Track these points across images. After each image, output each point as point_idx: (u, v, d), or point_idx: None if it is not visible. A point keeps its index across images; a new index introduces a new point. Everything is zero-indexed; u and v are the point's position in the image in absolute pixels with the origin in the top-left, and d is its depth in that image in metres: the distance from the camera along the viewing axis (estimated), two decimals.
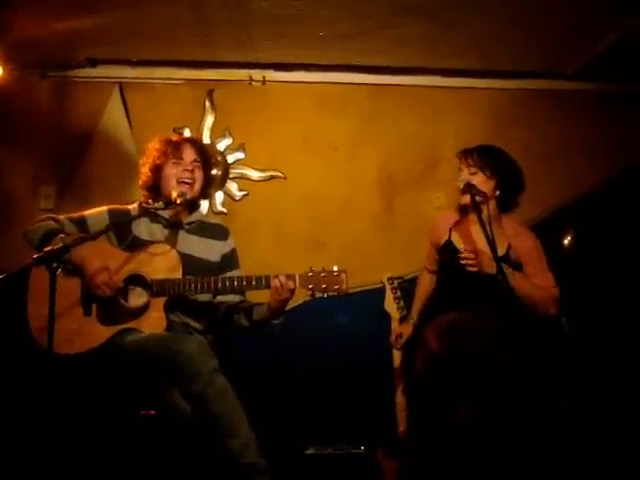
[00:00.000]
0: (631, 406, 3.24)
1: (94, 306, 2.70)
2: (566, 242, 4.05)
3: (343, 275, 2.69)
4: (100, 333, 2.66)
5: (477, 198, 2.86)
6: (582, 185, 4.07)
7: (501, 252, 2.93)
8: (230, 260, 3.00)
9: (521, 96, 4.18)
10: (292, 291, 2.70)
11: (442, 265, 3.12)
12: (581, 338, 3.60)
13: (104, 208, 2.94)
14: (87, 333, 2.65)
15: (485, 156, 2.98)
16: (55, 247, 2.33)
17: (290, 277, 2.69)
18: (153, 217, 2.91)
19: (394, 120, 4.15)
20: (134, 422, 2.63)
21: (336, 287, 2.68)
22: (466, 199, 2.96)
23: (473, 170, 2.97)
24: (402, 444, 2.97)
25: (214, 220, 3.13)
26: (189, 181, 2.86)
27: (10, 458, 2.79)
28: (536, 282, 2.86)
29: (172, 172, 2.87)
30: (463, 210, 3.09)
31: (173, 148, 2.88)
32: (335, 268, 2.70)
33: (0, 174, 3.98)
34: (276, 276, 2.69)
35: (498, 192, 2.96)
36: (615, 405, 3.29)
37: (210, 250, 2.95)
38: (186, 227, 2.95)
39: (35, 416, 2.30)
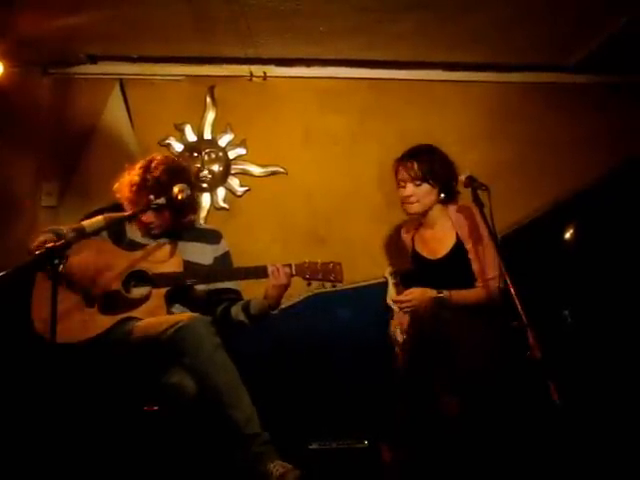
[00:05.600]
0: (633, 398, 3.24)
1: (97, 298, 2.76)
2: (568, 235, 4.04)
3: (338, 267, 2.82)
4: (102, 322, 2.72)
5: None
6: (585, 177, 4.06)
7: (447, 250, 3.03)
8: (223, 262, 3.06)
9: (523, 89, 4.17)
10: (289, 276, 2.80)
11: (414, 273, 3.20)
12: (584, 331, 3.60)
13: (101, 217, 2.99)
14: (89, 322, 2.72)
15: (426, 163, 3.04)
16: (56, 244, 2.34)
17: (286, 265, 2.81)
18: (146, 230, 2.98)
19: (395, 114, 4.14)
20: (137, 418, 2.66)
21: (332, 276, 2.80)
22: (416, 208, 3.08)
23: (418, 182, 3.04)
24: (401, 438, 2.99)
25: (207, 226, 3.20)
26: (154, 230, 2.94)
27: (14, 453, 2.80)
28: (478, 270, 2.92)
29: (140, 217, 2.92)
30: (414, 218, 3.21)
31: (136, 204, 2.88)
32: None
33: (2, 171, 3.98)
34: (273, 264, 2.80)
35: (442, 195, 3.06)
36: (617, 397, 3.28)
37: (203, 254, 3.01)
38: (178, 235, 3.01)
39: (40, 409, 2.31)
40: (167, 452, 2.58)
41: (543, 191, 4.03)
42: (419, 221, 3.22)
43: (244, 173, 4.10)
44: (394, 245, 3.87)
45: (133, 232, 2.98)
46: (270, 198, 4.06)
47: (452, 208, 3.07)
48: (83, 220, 3.02)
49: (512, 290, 2.45)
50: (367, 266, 3.87)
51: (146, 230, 2.95)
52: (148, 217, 2.89)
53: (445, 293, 2.89)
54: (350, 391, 3.76)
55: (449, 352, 2.62)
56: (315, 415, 3.67)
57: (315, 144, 4.12)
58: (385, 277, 3.73)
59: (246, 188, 4.08)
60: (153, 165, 2.91)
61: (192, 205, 3.06)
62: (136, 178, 2.89)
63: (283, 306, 3.83)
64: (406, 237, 3.30)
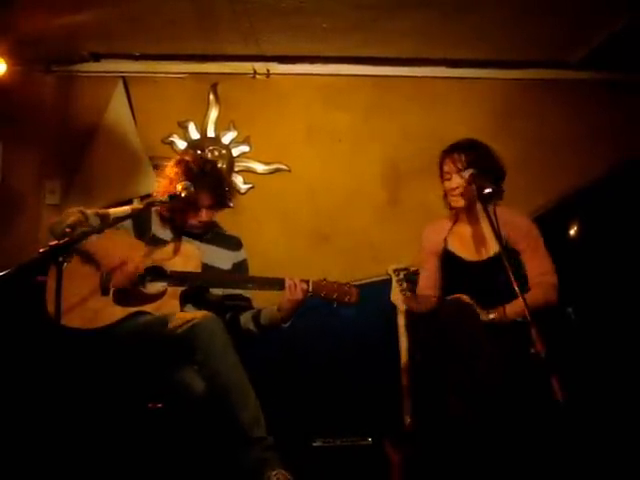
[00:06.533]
0: (637, 394, 3.24)
1: (112, 289, 2.76)
2: (572, 232, 4.04)
3: (354, 289, 2.85)
4: (115, 313, 2.73)
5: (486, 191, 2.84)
6: (587, 174, 4.06)
7: (494, 251, 2.91)
8: (240, 270, 3.06)
9: (525, 86, 4.17)
10: (305, 292, 2.79)
11: (446, 274, 3.09)
12: (587, 328, 3.60)
13: (128, 207, 3.03)
14: (103, 312, 2.73)
15: (472, 155, 2.93)
16: (60, 241, 2.34)
17: (304, 280, 2.81)
18: (174, 223, 2.98)
19: (398, 111, 4.15)
20: (141, 414, 2.66)
21: (347, 298, 2.84)
22: (460, 202, 2.96)
23: (464, 174, 2.92)
24: (407, 435, 2.99)
25: (229, 232, 3.17)
26: (198, 229, 2.97)
27: (18, 439, 2.82)
28: (533, 268, 2.84)
29: (189, 219, 2.92)
30: (458, 212, 3.07)
31: (193, 203, 2.87)
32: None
33: (6, 169, 3.98)
34: (290, 278, 2.80)
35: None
36: (621, 395, 3.28)
37: (222, 259, 3.02)
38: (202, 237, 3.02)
39: (50, 400, 2.33)
40: (169, 449, 2.58)
41: (546, 188, 4.03)
42: (454, 219, 3.11)
43: (247, 170, 4.10)
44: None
45: (158, 228, 2.97)
46: (273, 195, 4.07)
47: (502, 208, 2.91)
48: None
49: (516, 288, 2.44)
50: (370, 263, 3.87)
51: (194, 227, 2.95)
52: (208, 214, 2.92)
53: (500, 310, 2.75)
54: (354, 388, 3.76)
55: (469, 356, 2.58)
56: (319, 412, 3.68)
57: (318, 141, 4.13)
58: (389, 274, 3.72)
59: (250, 185, 4.09)
60: (200, 165, 2.94)
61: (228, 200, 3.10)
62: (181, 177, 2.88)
63: None
64: (435, 237, 3.11)
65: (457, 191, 2.96)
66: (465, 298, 2.77)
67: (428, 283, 3.14)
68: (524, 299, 2.38)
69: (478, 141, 3.04)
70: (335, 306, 2.85)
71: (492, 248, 2.92)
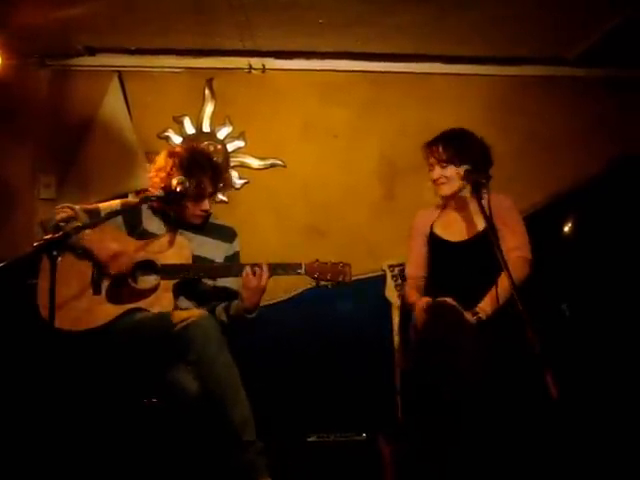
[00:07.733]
0: (631, 391, 3.25)
1: (104, 287, 2.75)
2: (567, 229, 4.04)
3: (347, 268, 2.83)
4: (108, 311, 2.71)
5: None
6: (584, 170, 4.06)
7: (473, 233, 2.98)
8: (232, 262, 3.04)
9: (522, 82, 4.16)
10: (260, 277, 2.72)
11: (432, 257, 3.12)
12: (582, 325, 3.61)
13: (118, 201, 3.00)
14: (96, 311, 2.71)
15: (451, 147, 2.98)
16: (55, 235, 2.33)
17: (267, 264, 2.74)
18: (165, 216, 2.96)
19: (395, 107, 4.14)
20: (137, 410, 2.66)
21: (340, 277, 2.80)
22: (446, 190, 3.01)
23: (443, 164, 2.98)
24: (399, 429, 2.99)
25: (223, 222, 3.15)
26: (199, 220, 2.95)
27: (14, 440, 2.81)
28: (508, 242, 2.88)
29: (190, 208, 2.90)
30: (446, 200, 3.11)
31: (195, 189, 2.85)
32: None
33: (0, 163, 3.97)
34: (250, 264, 2.75)
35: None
36: (615, 390, 3.29)
37: (215, 250, 3.00)
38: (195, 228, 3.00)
39: (41, 395, 2.32)
40: (162, 448, 2.58)
41: (542, 184, 4.03)
42: (442, 207, 3.16)
43: (243, 166, 4.09)
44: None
45: (149, 222, 2.95)
46: (269, 191, 4.06)
47: (486, 197, 2.93)
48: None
49: (512, 284, 2.46)
50: (365, 259, 3.86)
51: (196, 218, 2.94)
52: (210, 202, 2.93)
53: (481, 313, 2.77)
54: (349, 384, 3.76)
55: (452, 351, 2.60)
56: (314, 408, 3.68)
57: (314, 137, 4.11)
58: (383, 270, 3.73)
59: (245, 181, 4.08)
60: (195, 155, 2.95)
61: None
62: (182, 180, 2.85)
63: (282, 299, 3.86)
64: (423, 221, 3.18)
65: (440, 180, 3.01)
66: (450, 301, 2.78)
67: (415, 261, 3.18)
68: (510, 275, 2.47)
69: (460, 131, 3.08)
70: (330, 286, 2.81)
71: (475, 229, 2.98)
